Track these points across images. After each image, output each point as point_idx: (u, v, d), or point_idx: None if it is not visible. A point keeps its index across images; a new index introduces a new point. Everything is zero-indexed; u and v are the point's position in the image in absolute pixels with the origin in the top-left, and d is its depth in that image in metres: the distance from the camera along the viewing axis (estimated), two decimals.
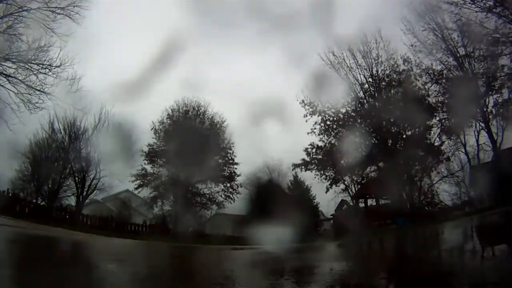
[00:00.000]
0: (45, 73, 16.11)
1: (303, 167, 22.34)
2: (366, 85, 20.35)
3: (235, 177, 25.80)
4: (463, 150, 19.40)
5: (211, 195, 25.79)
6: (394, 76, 20.02)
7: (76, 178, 22.01)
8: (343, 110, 20.81)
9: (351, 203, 22.96)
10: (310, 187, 26.76)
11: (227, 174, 25.80)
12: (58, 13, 15.65)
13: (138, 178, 24.44)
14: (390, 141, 20.14)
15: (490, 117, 18.04)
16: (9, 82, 15.60)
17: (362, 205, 22.02)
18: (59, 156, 21.82)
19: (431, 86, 19.28)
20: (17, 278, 3.81)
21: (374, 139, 20.36)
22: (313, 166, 21.92)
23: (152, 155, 24.98)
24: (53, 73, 16.23)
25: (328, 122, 21.10)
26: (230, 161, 25.86)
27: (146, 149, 24.84)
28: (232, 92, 35.71)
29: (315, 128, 21.18)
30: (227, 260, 9.92)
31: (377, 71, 20.15)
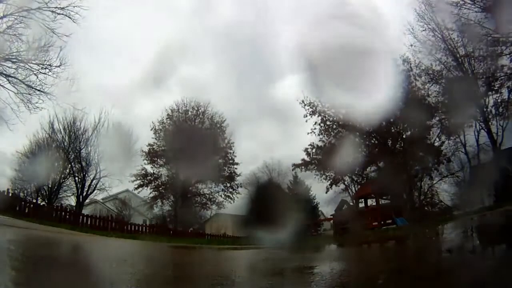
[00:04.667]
0: (45, 73, 16.14)
1: (303, 167, 22.38)
2: None
3: (235, 177, 25.86)
4: (463, 150, 19.42)
5: (211, 195, 25.84)
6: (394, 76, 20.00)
7: (76, 178, 22.05)
8: (343, 110, 20.83)
9: (351, 203, 22.97)
10: (310, 187, 26.84)
11: (227, 174, 25.83)
12: (58, 13, 15.68)
13: (138, 178, 24.50)
14: (390, 141, 20.16)
15: (490, 117, 18.05)
16: (9, 82, 15.63)
17: (362, 205, 22.04)
18: (59, 156, 21.84)
19: (430, 86, 19.31)
20: (17, 278, 3.81)
21: (374, 139, 20.38)
22: (313, 166, 21.96)
23: (152, 155, 25.01)
24: (53, 73, 16.27)
25: (328, 122, 21.14)
26: (230, 161, 25.92)
27: (146, 149, 24.89)
28: (233, 92, 35.83)
29: (315, 128, 21.23)
30: (226, 260, 9.92)
31: None
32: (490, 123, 17.91)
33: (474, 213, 13.09)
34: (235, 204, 25.81)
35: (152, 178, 24.87)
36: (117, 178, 22.78)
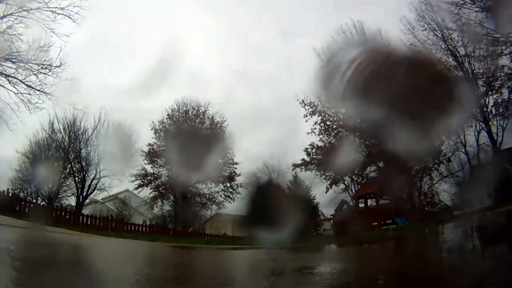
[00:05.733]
0: (45, 73, 16.14)
1: (303, 167, 22.36)
2: None
3: (235, 177, 25.83)
4: (463, 150, 19.42)
5: (211, 195, 25.81)
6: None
7: (76, 178, 22.04)
8: (343, 110, 20.82)
9: (351, 203, 22.96)
10: (310, 187, 26.82)
11: (227, 174, 25.81)
12: (58, 13, 15.69)
13: (138, 178, 24.46)
14: (390, 141, 20.13)
15: (490, 117, 18.05)
16: (9, 82, 15.65)
17: (362, 205, 22.04)
18: (59, 156, 21.84)
19: None
20: (17, 279, 3.81)
21: (374, 139, 20.36)
22: (313, 166, 21.94)
23: (152, 155, 25.00)
24: (53, 73, 16.26)
25: (328, 122, 21.12)
26: (230, 161, 25.89)
27: (146, 149, 24.87)
28: (233, 92, 35.87)
29: (315, 128, 21.22)
30: (226, 260, 9.92)
31: None
32: (490, 123, 17.92)
33: (474, 213, 13.08)
34: (235, 204, 25.83)
35: (152, 178, 24.86)
36: (117, 178, 22.79)
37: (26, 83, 15.88)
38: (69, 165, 22.07)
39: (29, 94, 15.95)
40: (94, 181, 22.33)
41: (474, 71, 17.77)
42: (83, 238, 12.05)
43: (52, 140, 22.05)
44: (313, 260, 8.79)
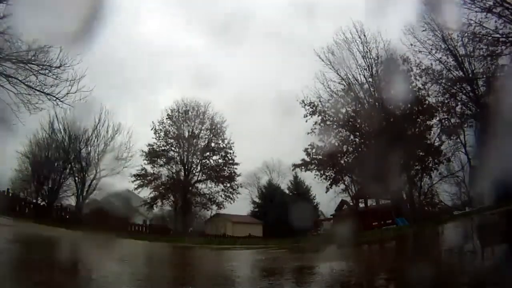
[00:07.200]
0: (45, 74, 16.06)
1: (303, 167, 22.30)
2: (366, 85, 20.37)
3: (235, 177, 25.83)
4: (463, 150, 19.41)
5: (211, 195, 25.78)
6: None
7: (76, 178, 21.99)
8: (343, 110, 20.82)
9: (351, 203, 22.95)
10: (310, 187, 26.82)
11: (227, 174, 25.80)
12: None
13: (138, 178, 24.44)
14: (390, 141, 20.14)
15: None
16: (9, 83, 15.53)
17: (362, 205, 22.04)
18: (59, 156, 21.79)
19: (431, 86, 19.25)
20: (19, 279, 3.82)
21: (374, 139, 20.35)
22: (313, 166, 21.87)
23: (152, 155, 24.99)
24: (53, 74, 16.18)
25: (328, 122, 21.05)
26: (230, 161, 25.88)
27: (146, 149, 24.86)
28: (234, 92, 35.90)
29: (315, 128, 21.14)
30: (227, 260, 9.93)
31: (377, 71, 20.14)
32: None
33: (474, 213, 13.09)
34: (235, 204, 25.88)
35: (152, 178, 24.84)
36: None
37: (26, 83, 15.81)
38: (69, 165, 22.02)
39: (29, 94, 15.87)
40: (94, 181, 22.30)
41: (474, 71, 17.73)
42: (83, 238, 12.04)
43: (52, 140, 21.99)
44: (313, 260, 8.80)
